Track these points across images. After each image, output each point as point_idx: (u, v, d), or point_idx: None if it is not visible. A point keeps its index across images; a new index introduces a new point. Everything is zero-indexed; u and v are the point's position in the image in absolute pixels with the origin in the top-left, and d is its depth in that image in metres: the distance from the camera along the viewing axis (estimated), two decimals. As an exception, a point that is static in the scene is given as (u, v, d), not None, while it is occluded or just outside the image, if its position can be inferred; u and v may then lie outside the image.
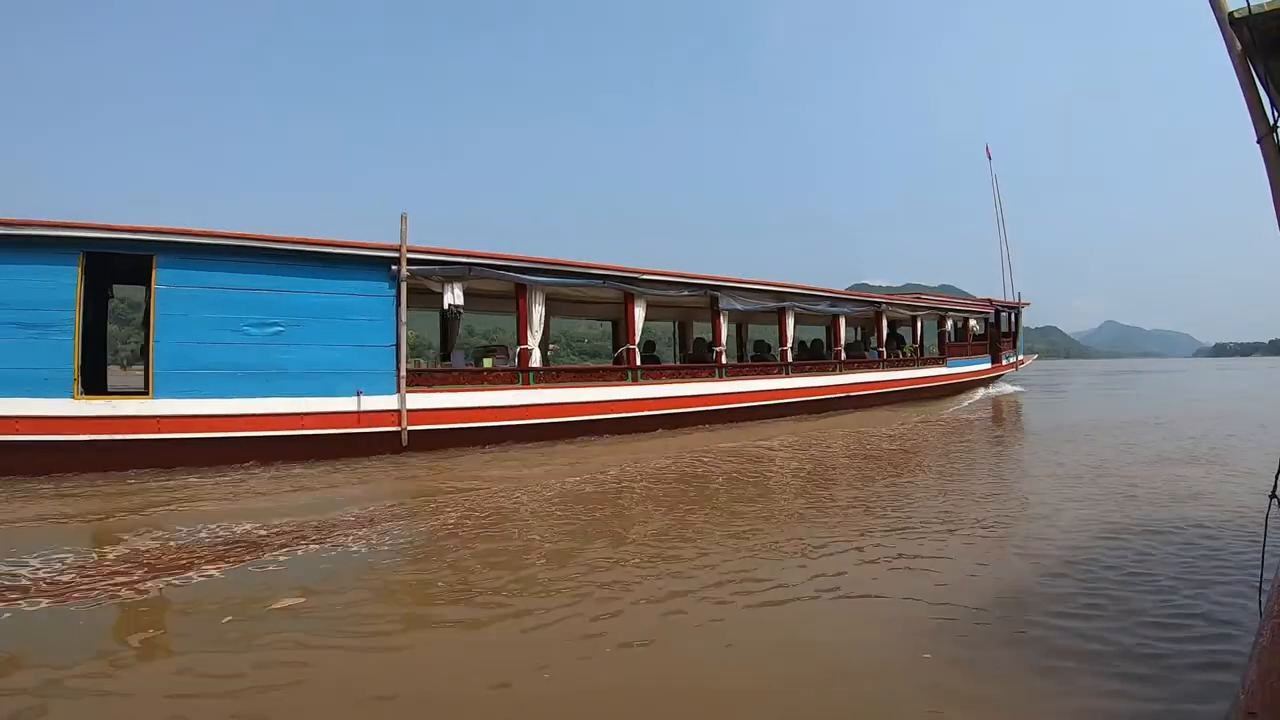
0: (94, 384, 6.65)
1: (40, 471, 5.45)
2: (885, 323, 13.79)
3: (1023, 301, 18.23)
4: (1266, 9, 1.92)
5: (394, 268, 6.82)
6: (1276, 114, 2.08)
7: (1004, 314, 17.52)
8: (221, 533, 3.68)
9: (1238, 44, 2.02)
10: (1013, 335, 17.85)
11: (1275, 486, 1.98)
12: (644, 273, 9.03)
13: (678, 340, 13.63)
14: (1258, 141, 2.02)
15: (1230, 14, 1.99)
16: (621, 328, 9.91)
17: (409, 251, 6.87)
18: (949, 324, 15.31)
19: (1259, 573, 2.13)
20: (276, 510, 4.33)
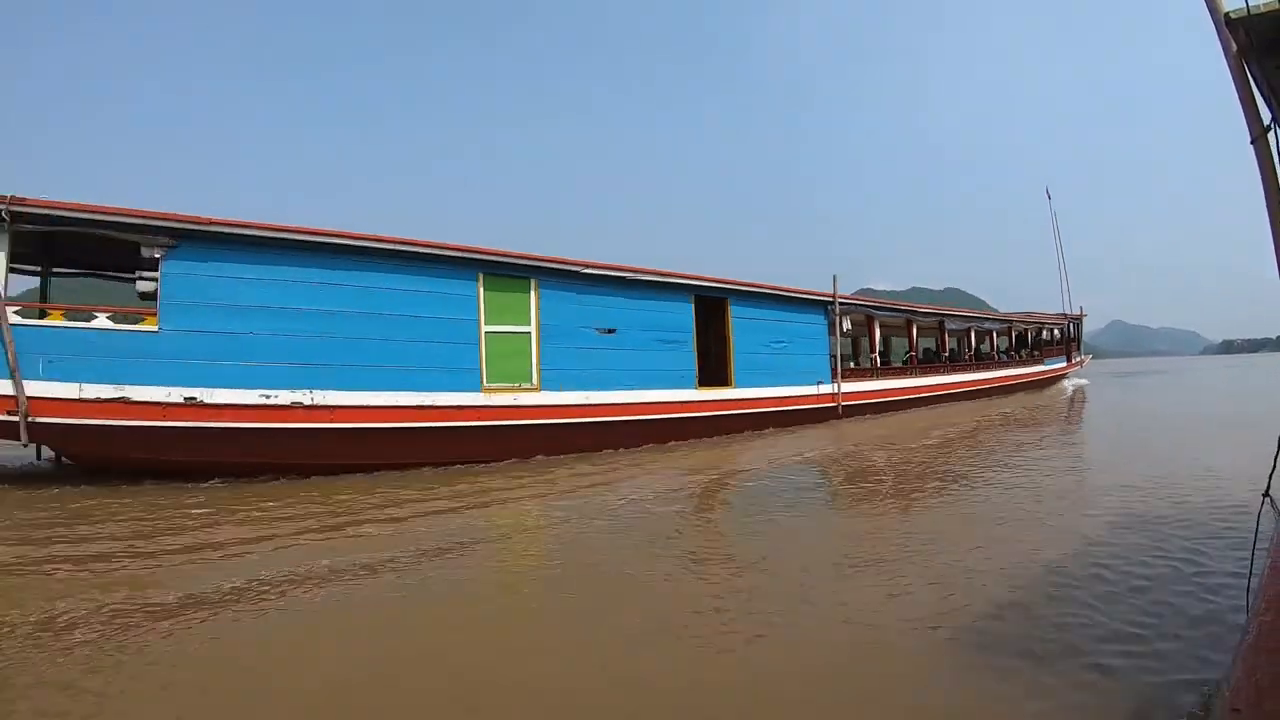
0: (710, 379, 9.44)
1: (675, 438, 8.37)
2: (1014, 334, 19.44)
3: (1083, 313, 23.77)
4: (1263, 10, 1.92)
5: (829, 306, 11.31)
6: (1271, 115, 2.13)
7: (1071, 324, 23.20)
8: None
9: (1234, 45, 2.04)
10: (1077, 340, 23.48)
11: (1269, 485, 2.06)
12: (920, 308, 14.85)
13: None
14: (1251, 142, 2.05)
15: (1226, 15, 2.01)
16: (865, 343, 14.83)
17: (838, 298, 11.47)
18: (1044, 333, 21.22)
19: (1248, 570, 2.12)
20: (812, 447, 8.28)
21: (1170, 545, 3.18)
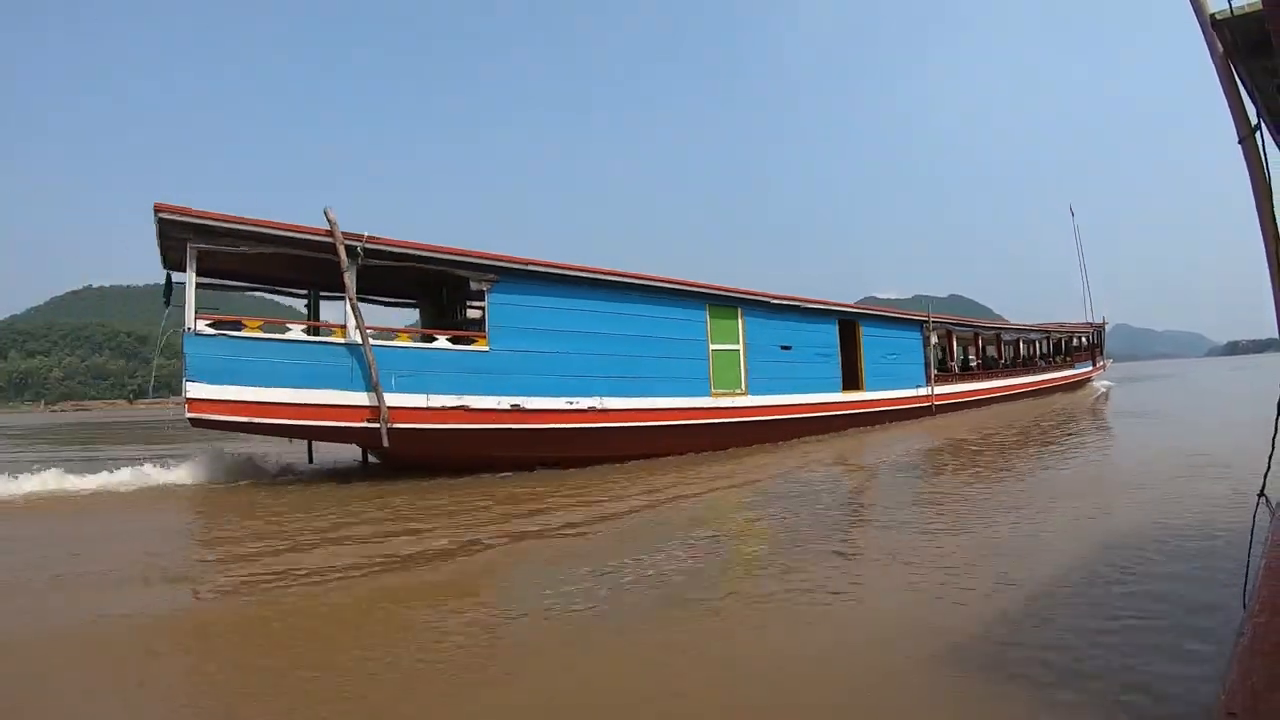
0: (850, 384, 11.26)
1: (828, 430, 10.27)
2: (1051, 342, 21.59)
3: (1105, 322, 26.21)
4: (1246, 11, 1.96)
5: (924, 324, 13.13)
6: (1258, 114, 2.18)
7: (1096, 332, 25.51)
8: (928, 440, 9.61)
9: (1219, 46, 2.09)
10: (1100, 346, 25.68)
11: (1263, 486, 2.06)
12: (982, 323, 17.21)
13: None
14: (1239, 142, 2.10)
15: (1212, 16, 2.06)
16: (943, 350, 16.65)
17: (931, 317, 13.27)
18: (1074, 340, 23.40)
19: (1245, 571, 2.12)
20: (927, 435, 10.14)
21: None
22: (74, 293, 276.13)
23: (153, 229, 6.33)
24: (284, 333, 6.61)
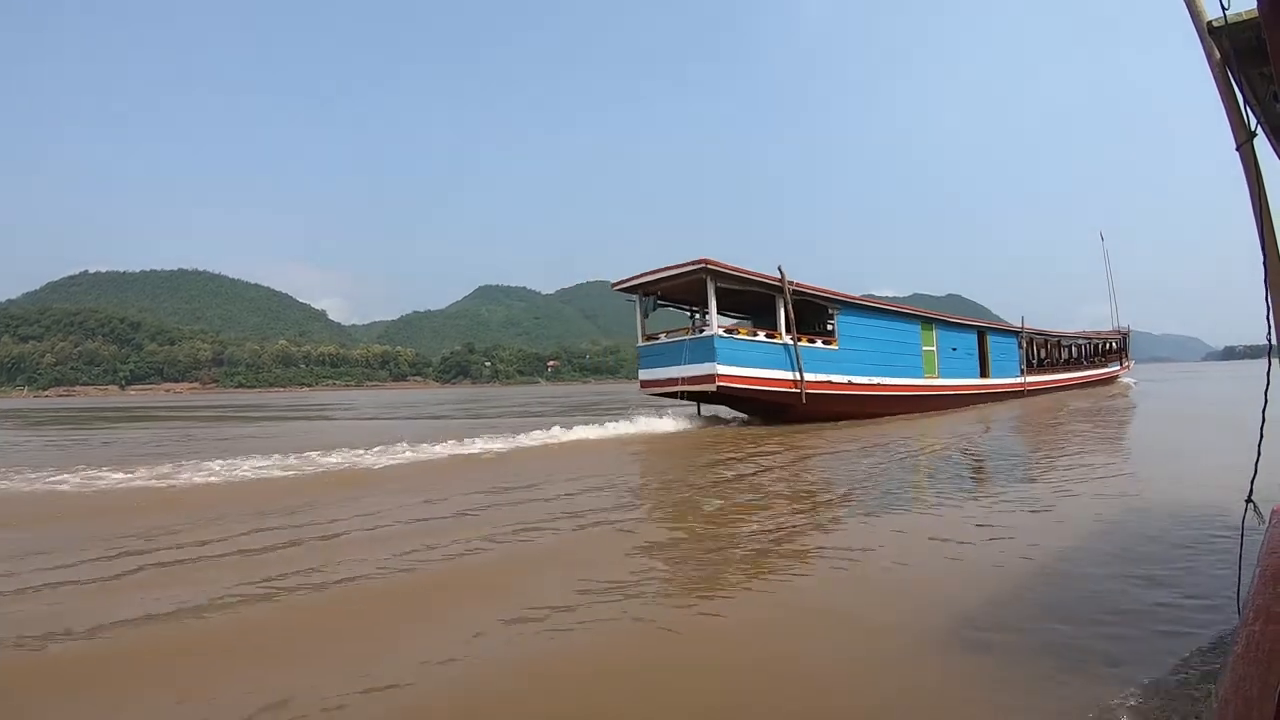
0: (982, 374, 17.84)
1: (970, 405, 16.85)
2: (1092, 346, 28.14)
3: (1129, 329, 32.14)
4: (1243, 18, 2.12)
5: (1019, 334, 20.22)
6: (1256, 120, 2.29)
7: (1123, 338, 32.19)
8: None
9: (1216, 53, 2.23)
10: (1126, 349, 32.46)
11: (1250, 491, 2.15)
12: (1051, 332, 23.07)
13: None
14: (1237, 149, 2.21)
15: (1209, 23, 2.20)
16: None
17: (1023, 328, 20.46)
18: (1107, 345, 29.97)
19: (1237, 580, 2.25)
20: (1009, 417, 17.52)
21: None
22: (70, 278, 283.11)
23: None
24: (755, 336, 12.75)
